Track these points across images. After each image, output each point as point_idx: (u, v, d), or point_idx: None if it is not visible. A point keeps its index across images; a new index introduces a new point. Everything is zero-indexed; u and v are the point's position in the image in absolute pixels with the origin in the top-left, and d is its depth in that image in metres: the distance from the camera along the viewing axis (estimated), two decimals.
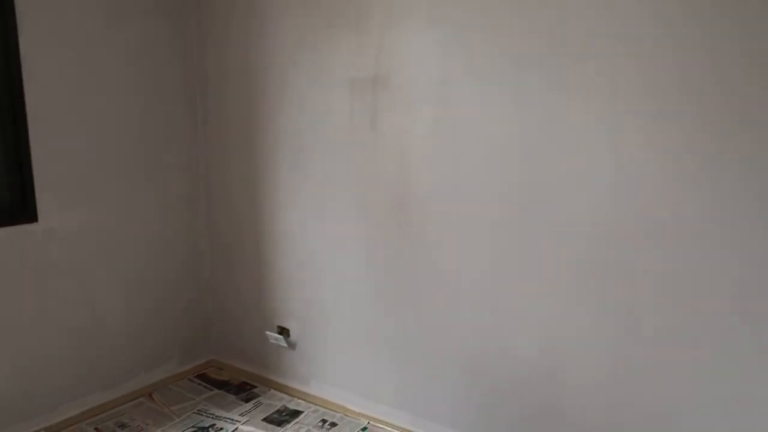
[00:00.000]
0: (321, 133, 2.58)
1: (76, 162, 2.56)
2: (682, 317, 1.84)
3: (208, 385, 3.02)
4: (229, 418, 2.67)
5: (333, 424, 2.62)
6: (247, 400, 2.85)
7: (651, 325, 1.90)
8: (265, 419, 2.66)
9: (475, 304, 2.26)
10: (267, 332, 2.95)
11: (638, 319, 1.92)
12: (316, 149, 2.61)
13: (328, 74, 2.51)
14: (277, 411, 2.74)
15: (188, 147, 3.02)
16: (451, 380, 2.38)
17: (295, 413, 2.72)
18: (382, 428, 2.58)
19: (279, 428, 2.58)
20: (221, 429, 2.57)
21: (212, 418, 2.68)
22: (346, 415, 2.69)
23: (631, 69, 1.83)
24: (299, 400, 2.84)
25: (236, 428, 2.58)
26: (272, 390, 2.95)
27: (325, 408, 2.76)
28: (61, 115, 2.49)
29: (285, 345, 2.90)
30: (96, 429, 2.58)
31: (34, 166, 2.42)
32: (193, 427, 2.60)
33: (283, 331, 2.90)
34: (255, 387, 2.99)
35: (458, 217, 2.25)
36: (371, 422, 2.62)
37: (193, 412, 2.73)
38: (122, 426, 2.61)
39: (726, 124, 1.70)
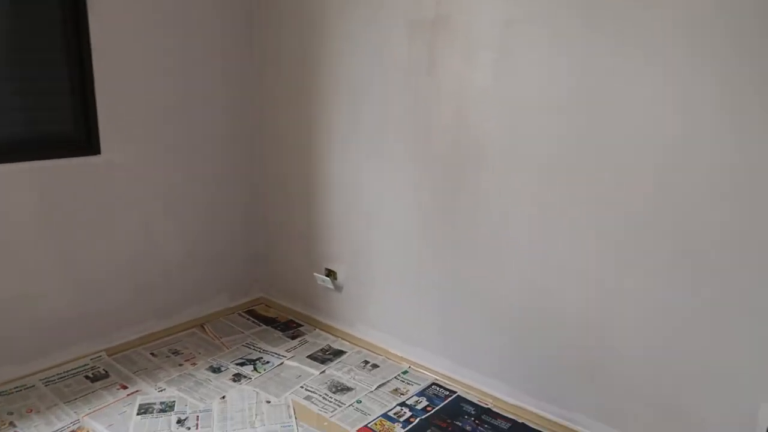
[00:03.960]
0: (376, 77, 2.55)
1: (136, 99, 2.62)
2: (745, 280, 1.76)
3: (257, 321, 3.13)
4: (275, 353, 2.76)
5: (375, 366, 2.68)
6: (293, 338, 2.94)
7: (707, 286, 1.83)
8: (309, 356, 2.75)
9: (525, 255, 2.23)
10: (315, 274, 3.01)
11: (696, 278, 1.85)
12: (371, 93, 2.58)
13: (386, 15, 2.45)
14: (321, 350, 2.82)
15: (244, 87, 3.04)
16: (495, 330, 2.38)
17: (339, 353, 2.79)
18: (423, 373, 2.62)
19: (322, 366, 2.66)
20: (268, 362, 2.67)
21: (260, 351, 2.78)
22: (388, 358, 2.75)
23: (713, 26, 1.70)
24: (343, 341, 2.91)
25: (282, 363, 2.68)
26: (317, 330, 3.04)
27: (367, 350, 2.82)
28: (123, 53, 2.53)
29: (332, 287, 2.95)
30: (151, 353, 2.73)
31: (98, 102, 2.49)
32: (241, 358, 2.71)
33: (331, 274, 2.95)
34: (301, 326, 3.08)
35: (513, 167, 2.20)
36: (412, 366, 2.67)
37: (242, 345, 2.84)
38: (175, 353, 2.75)
39: None
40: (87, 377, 2.49)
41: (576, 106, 2.00)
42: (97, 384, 2.44)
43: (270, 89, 3.03)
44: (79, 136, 2.51)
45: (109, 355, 2.67)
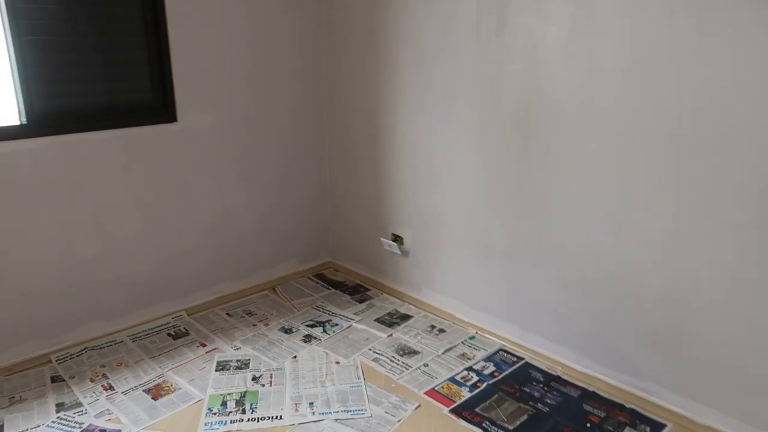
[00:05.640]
0: (444, 38, 2.49)
1: (210, 69, 2.69)
2: None
3: (326, 285, 3.21)
4: (343, 316, 2.83)
5: (441, 330, 2.70)
6: (360, 301, 3.00)
7: None
8: (376, 320, 2.80)
9: (597, 219, 2.16)
10: (382, 239, 3.04)
11: None
12: (439, 55, 2.53)
13: None
14: (389, 314, 2.87)
15: (310, 52, 3.06)
16: (563, 296, 2.33)
17: (406, 317, 2.83)
18: (490, 339, 2.62)
19: (390, 329, 2.71)
20: (336, 324, 2.74)
21: (329, 314, 2.86)
22: (454, 323, 2.76)
23: None
24: (410, 306, 2.94)
25: (350, 325, 2.74)
26: (384, 294, 3.08)
27: (434, 315, 2.84)
28: (196, 24, 2.60)
29: (398, 252, 2.98)
30: (227, 314, 2.86)
31: (173, 72, 2.58)
32: (311, 320, 2.79)
33: (397, 239, 2.97)
34: (368, 290, 3.14)
35: (586, 128, 2.11)
36: (479, 332, 2.67)
37: (312, 308, 2.93)
38: (249, 314, 2.86)
39: None
40: (169, 335, 2.64)
41: (655, 64, 1.89)
42: (179, 341, 2.59)
43: (337, 54, 3.03)
44: (157, 105, 2.61)
45: (188, 315, 2.82)
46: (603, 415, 2.10)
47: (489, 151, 2.45)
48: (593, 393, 2.23)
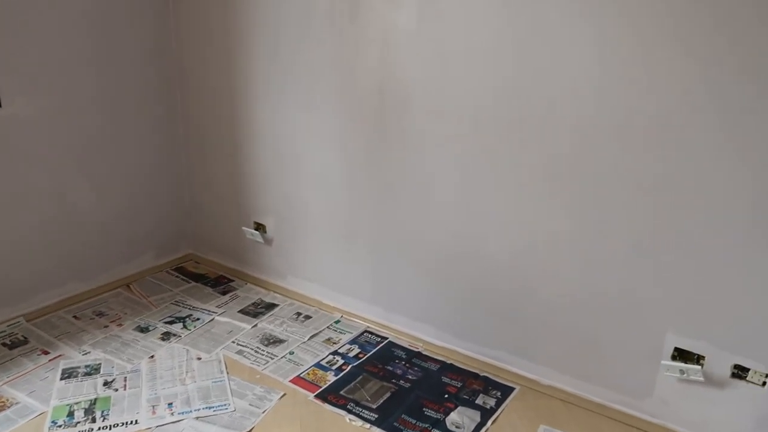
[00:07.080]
0: (300, 25, 2.45)
1: (41, 46, 2.42)
2: (659, 222, 1.86)
3: (186, 278, 3.06)
4: (205, 309, 2.73)
5: (307, 317, 2.70)
6: (223, 293, 2.91)
7: (619, 229, 1.92)
8: (240, 311, 2.73)
9: (449, 201, 2.26)
10: (244, 228, 2.96)
11: (608, 221, 1.94)
12: (295, 42, 2.49)
13: None
14: (253, 303, 2.81)
15: (159, 32, 2.86)
16: (422, 276, 2.43)
17: (271, 306, 2.79)
18: (355, 321, 2.66)
19: (254, 319, 2.65)
20: (198, 319, 2.64)
21: (189, 308, 2.74)
22: (320, 309, 2.77)
23: None
24: (275, 294, 2.91)
25: (212, 319, 2.65)
26: (249, 284, 3.01)
27: (300, 302, 2.83)
28: None
29: (261, 241, 2.92)
30: (74, 317, 2.63)
31: None
32: (170, 316, 2.66)
33: (260, 227, 2.91)
34: (232, 281, 3.05)
35: (439, 117, 2.20)
36: (344, 316, 2.70)
37: (171, 303, 2.78)
38: (100, 314, 2.66)
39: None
40: (4, 344, 2.38)
41: (501, 51, 2.00)
42: (16, 351, 2.34)
43: (189, 34, 2.87)
44: None
45: (27, 321, 2.55)
46: (459, 385, 2.23)
47: (349, 135, 2.47)
48: (451, 365, 2.35)
